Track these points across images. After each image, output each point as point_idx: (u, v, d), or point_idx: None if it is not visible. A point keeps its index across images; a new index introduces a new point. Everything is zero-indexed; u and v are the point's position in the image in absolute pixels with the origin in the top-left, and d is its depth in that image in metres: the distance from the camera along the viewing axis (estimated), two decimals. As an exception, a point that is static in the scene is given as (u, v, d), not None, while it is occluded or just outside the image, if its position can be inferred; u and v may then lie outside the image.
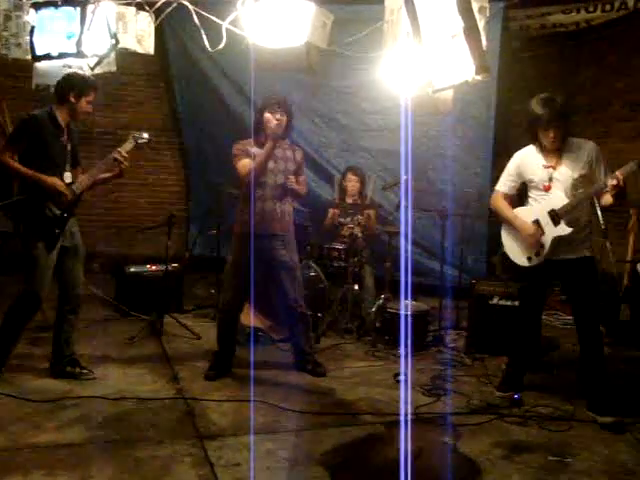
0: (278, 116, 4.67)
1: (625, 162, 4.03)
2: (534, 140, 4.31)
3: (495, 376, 4.89)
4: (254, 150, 4.68)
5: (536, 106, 4.15)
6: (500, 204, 4.50)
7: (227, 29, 3.82)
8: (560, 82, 8.12)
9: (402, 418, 4.03)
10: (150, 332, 5.78)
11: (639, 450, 3.74)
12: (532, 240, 4.26)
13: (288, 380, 4.80)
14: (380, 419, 4.09)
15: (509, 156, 4.56)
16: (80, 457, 3.41)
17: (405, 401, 4.33)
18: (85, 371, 4.61)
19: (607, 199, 4.08)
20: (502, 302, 5.57)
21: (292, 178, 4.78)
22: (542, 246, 4.26)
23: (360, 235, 6.41)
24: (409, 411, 4.18)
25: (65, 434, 3.68)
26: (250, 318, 5.53)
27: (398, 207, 6.23)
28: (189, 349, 5.51)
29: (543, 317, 4.81)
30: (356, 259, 6.29)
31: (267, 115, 4.69)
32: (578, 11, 6.54)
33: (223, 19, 3.87)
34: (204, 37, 4.25)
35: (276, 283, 4.89)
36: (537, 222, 4.27)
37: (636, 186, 4.41)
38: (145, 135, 4.69)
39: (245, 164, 4.66)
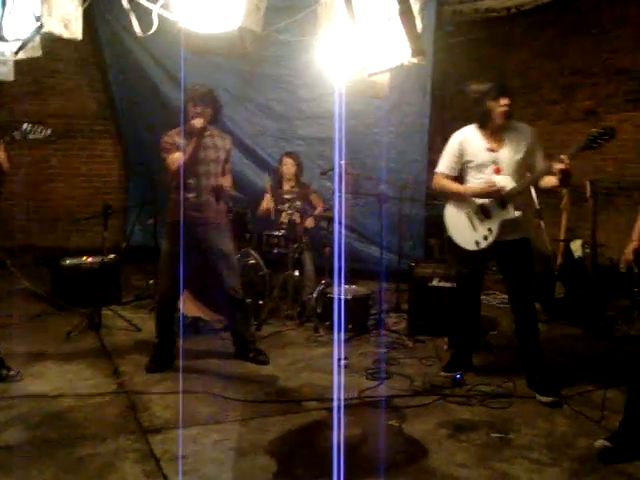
0: (198, 110, 4.62)
1: (557, 144, 4.15)
2: (482, 118, 4.29)
3: (437, 357, 4.99)
4: (182, 141, 4.65)
5: (479, 84, 4.23)
6: (445, 182, 4.49)
7: (158, 14, 3.71)
8: (493, 65, 8.28)
9: (346, 403, 4.05)
10: (88, 326, 5.62)
11: (577, 422, 3.86)
12: (495, 193, 4.20)
13: (231, 369, 4.75)
14: (325, 405, 4.08)
15: (445, 140, 4.57)
16: (18, 460, 3.29)
17: (348, 386, 4.35)
18: (12, 373, 4.39)
19: (551, 181, 4.11)
20: (442, 284, 5.64)
21: (221, 180, 4.82)
22: (490, 230, 4.30)
23: (299, 221, 6.40)
24: (353, 395, 4.21)
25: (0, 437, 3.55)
26: (191, 307, 5.46)
27: (325, 173, 6.29)
28: (129, 342, 5.40)
29: (481, 297, 4.89)
30: (296, 245, 6.27)
31: (190, 108, 4.67)
32: (510, -4, 6.68)
33: (154, 3, 3.75)
34: (135, 22, 4.12)
35: (213, 271, 4.85)
36: (484, 206, 4.31)
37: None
38: (27, 127, 4.43)
39: (175, 159, 4.62)
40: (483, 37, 7.68)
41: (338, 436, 3.50)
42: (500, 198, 4.20)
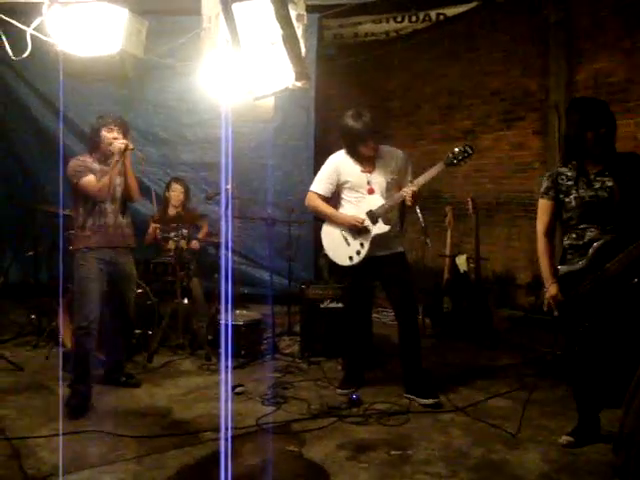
0: (115, 134, 4.60)
1: (438, 162, 4.42)
2: (350, 149, 4.60)
3: (332, 378, 4.99)
4: (96, 166, 4.60)
5: (349, 120, 4.48)
6: (318, 203, 4.72)
7: (32, 36, 3.54)
8: (374, 88, 8.48)
9: (244, 431, 3.98)
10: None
11: (471, 434, 3.96)
12: (359, 227, 4.52)
13: (121, 403, 4.55)
14: (222, 435, 3.97)
15: None
16: None
17: (245, 413, 4.28)
18: None
19: (407, 202, 4.45)
20: (333, 305, 5.68)
21: None
22: (362, 245, 4.55)
23: (185, 248, 6.26)
24: (251, 423, 4.13)
25: None
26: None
27: (209, 197, 6.26)
28: (10, 383, 5.04)
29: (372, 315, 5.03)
30: (184, 272, 6.13)
31: (104, 134, 4.59)
32: (387, 21, 6.88)
33: (28, 25, 3.58)
34: (6, 44, 3.91)
35: (116, 295, 4.77)
36: None
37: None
38: None
39: (90, 180, 4.53)
40: (364, 60, 7.86)
41: (238, 466, 3.42)
42: (371, 217, 4.51)
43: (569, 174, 3.61)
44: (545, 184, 3.73)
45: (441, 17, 6.82)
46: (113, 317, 4.81)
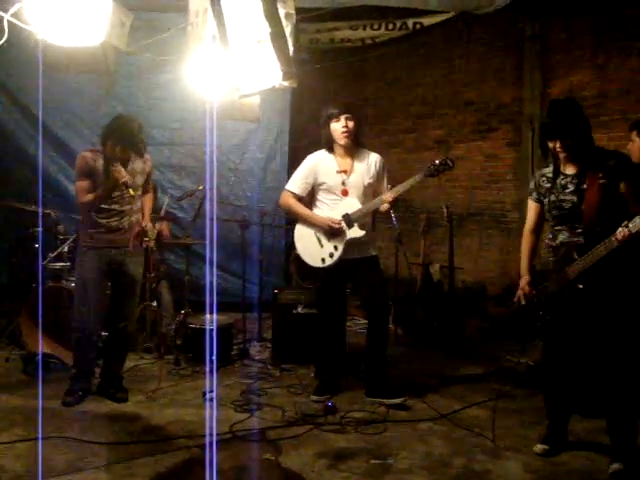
0: (117, 150, 4.39)
1: (410, 172, 4.46)
2: (327, 140, 4.60)
3: (306, 385, 4.91)
4: (100, 163, 4.43)
5: (328, 107, 4.57)
6: (292, 202, 4.68)
7: (10, 22, 3.38)
8: (348, 94, 8.44)
9: (218, 438, 3.84)
10: None
11: (451, 442, 3.92)
12: (336, 229, 4.48)
13: (89, 409, 4.39)
14: (195, 442, 3.85)
15: None
16: None
17: (217, 420, 4.11)
18: None
19: (384, 208, 4.46)
20: (306, 310, 5.59)
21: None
22: (336, 247, 4.52)
23: (155, 249, 6.11)
24: (224, 430, 4.02)
25: None
26: (39, 344, 5.03)
27: (195, 218, 6.09)
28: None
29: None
30: (152, 275, 5.98)
31: (108, 146, 4.43)
32: (364, 28, 6.82)
33: (5, 11, 3.42)
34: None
35: (116, 300, 4.70)
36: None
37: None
38: None
39: (81, 187, 4.44)
40: (339, 66, 7.82)
41: (212, 474, 3.31)
42: (347, 220, 4.47)
43: (549, 175, 3.64)
44: (530, 185, 3.83)
45: (418, 26, 6.81)
46: (109, 323, 4.71)
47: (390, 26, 6.90)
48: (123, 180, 4.34)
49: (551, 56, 6.66)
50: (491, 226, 7.25)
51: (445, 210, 6.29)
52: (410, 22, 6.86)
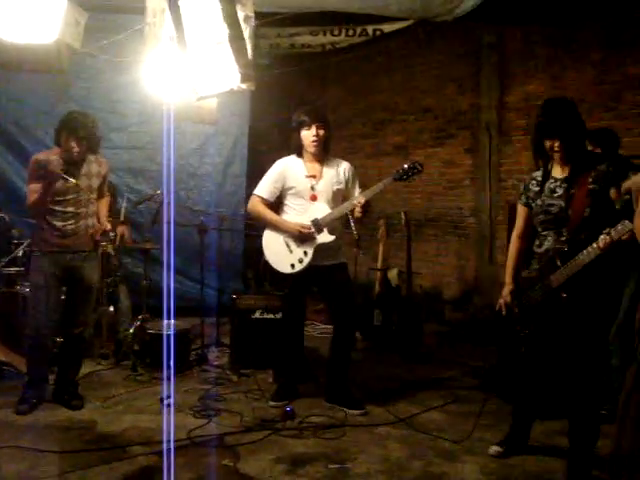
0: (72, 143, 4.29)
1: (369, 177, 4.44)
2: (297, 147, 4.57)
3: (264, 390, 4.87)
4: (55, 163, 4.29)
5: (300, 113, 4.51)
6: (261, 208, 4.63)
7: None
8: (308, 100, 8.44)
9: (175, 445, 3.76)
10: None
11: (408, 446, 3.93)
12: (306, 235, 4.44)
13: (41, 417, 4.29)
14: (152, 449, 3.79)
15: (262, 172, 4.72)
16: None
17: (176, 426, 4.05)
18: None
19: (357, 213, 4.41)
20: (264, 316, 5.56)
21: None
22: (306, 253, 4.47)
23: (113, 253, 6.02)
24: (182, 436, 3.97)
25: None
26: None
27: (153, 222, 6.01)
28: None
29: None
30: (110, 279, 5.90)
31: (63, 137, 4.33)
32: (325, 34, 6.82)
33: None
34: None
35: (69, 305, 4.60)
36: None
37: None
38: None
39: (32, 190, 4.33)
40: (299, 72, 7.82)
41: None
42: (316, 225, 4.44)
43: (539, 179, 3.56)
44: (520, 188, 3.74)
45: (378, 33, 6.84)
46: (64, 330, 4.61)
47: (350, 32, 6.92)
48: (57, 171, 4.21)
49: (508, 65, 6.78)
50: (449, 232, 7.33)
51: (403, 216, 6.33)
52: (370, 28, 6.89)
